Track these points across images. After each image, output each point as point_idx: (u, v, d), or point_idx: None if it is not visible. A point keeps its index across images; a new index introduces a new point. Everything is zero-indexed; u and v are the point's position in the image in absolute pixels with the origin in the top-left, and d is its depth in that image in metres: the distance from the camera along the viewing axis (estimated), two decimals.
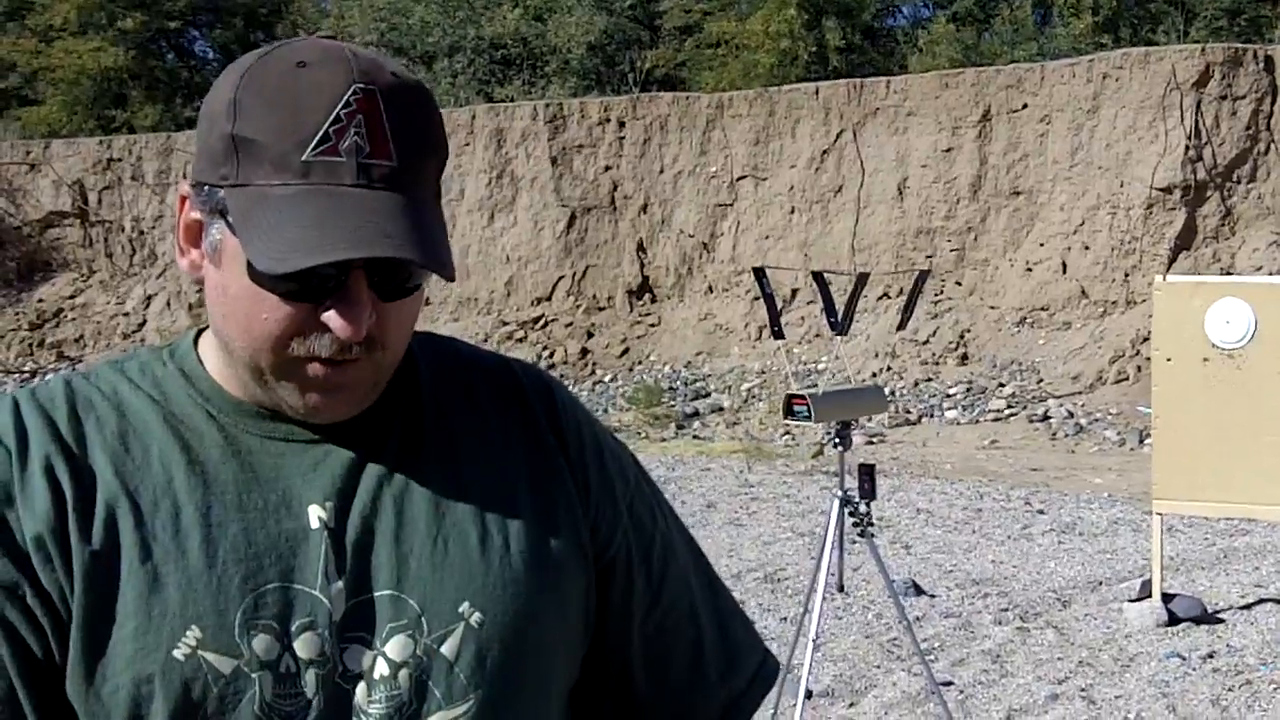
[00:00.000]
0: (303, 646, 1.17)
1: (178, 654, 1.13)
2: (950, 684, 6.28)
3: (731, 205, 21.02)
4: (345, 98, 1.13)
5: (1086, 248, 18.39)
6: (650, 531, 1.39)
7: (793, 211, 20.54)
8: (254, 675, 1.15)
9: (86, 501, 1.16)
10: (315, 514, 1.20)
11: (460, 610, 1.21)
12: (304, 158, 1.12)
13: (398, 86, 1.16)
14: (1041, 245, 18.82)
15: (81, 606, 1.14)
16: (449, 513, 1.24)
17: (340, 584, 1.19)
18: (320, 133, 1.12)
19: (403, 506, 1.23)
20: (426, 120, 1.18)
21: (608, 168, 21.69)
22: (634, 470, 1.42)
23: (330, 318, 1.14)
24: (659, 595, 1.38)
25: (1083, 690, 6.21)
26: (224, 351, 1.22)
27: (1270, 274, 15.99)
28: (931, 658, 6.56)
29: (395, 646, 1.19)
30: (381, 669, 1.18)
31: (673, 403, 18.35)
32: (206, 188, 1.16)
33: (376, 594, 1.20)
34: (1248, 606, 7.62)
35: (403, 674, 1.19)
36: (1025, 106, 19.18)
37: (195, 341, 1.28)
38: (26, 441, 1.18)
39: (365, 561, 1.20)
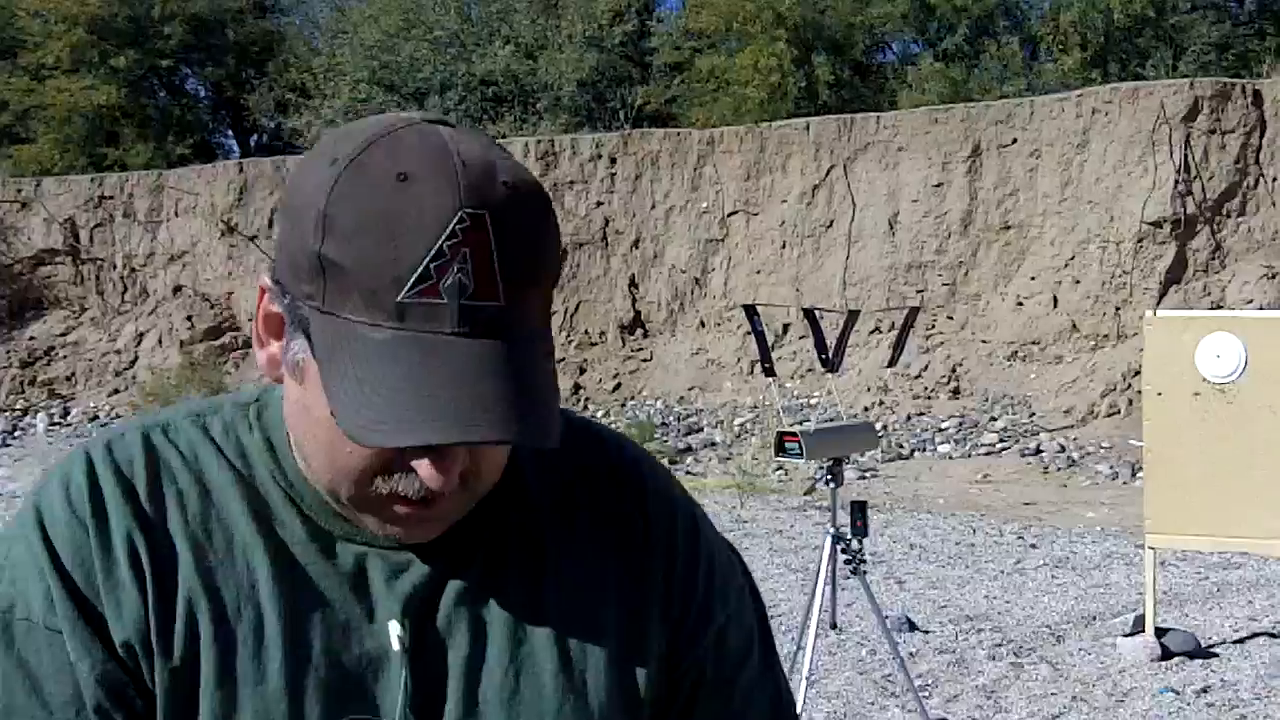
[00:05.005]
0: None
1: None
2: None
3: (723, 241, 21.07)
4: (451, 226, 0.98)
5: (1077, 282, 18.44)
6: (732, 672, 1.27)
7: (784, 247, 20.58)
8: None
9: (167, 602, 1.08)
10: (395, 632, 1.12)
11: None
12: (399, 298, 0.98)
13: (510, 202, 1.01)
14: (1032, 279, 18.87)
15: None
16: (527, 640, 1.16)
17: (413, 716, 1.12)
18: (420, 270, 0.98)
19: (480, 630, 1.15)
20: (541, 241, 1.03)
21: (599, 203, 21.74)
22: (736, 596, 1.30)
23: (421, 466, 1.04)
24: None
25: None
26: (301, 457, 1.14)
27: (1260, 307, 16.04)
28: (925, 694, 6.53)
29: None
30: None
31: (665, 438, 18.33)
32: (289, 296, 1.05)
33: None
34: (1241, 641, 7.60)
35: None
36: (1015, 141, 19.27)
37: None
38: (105, 516, 1.09)
39: (437, 690, 1.13)
